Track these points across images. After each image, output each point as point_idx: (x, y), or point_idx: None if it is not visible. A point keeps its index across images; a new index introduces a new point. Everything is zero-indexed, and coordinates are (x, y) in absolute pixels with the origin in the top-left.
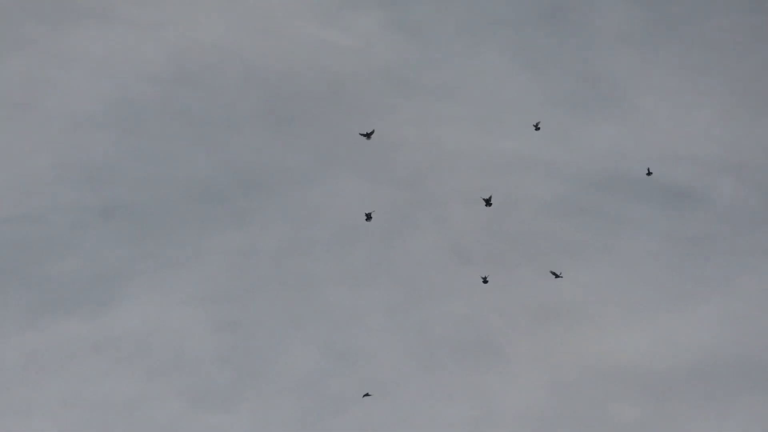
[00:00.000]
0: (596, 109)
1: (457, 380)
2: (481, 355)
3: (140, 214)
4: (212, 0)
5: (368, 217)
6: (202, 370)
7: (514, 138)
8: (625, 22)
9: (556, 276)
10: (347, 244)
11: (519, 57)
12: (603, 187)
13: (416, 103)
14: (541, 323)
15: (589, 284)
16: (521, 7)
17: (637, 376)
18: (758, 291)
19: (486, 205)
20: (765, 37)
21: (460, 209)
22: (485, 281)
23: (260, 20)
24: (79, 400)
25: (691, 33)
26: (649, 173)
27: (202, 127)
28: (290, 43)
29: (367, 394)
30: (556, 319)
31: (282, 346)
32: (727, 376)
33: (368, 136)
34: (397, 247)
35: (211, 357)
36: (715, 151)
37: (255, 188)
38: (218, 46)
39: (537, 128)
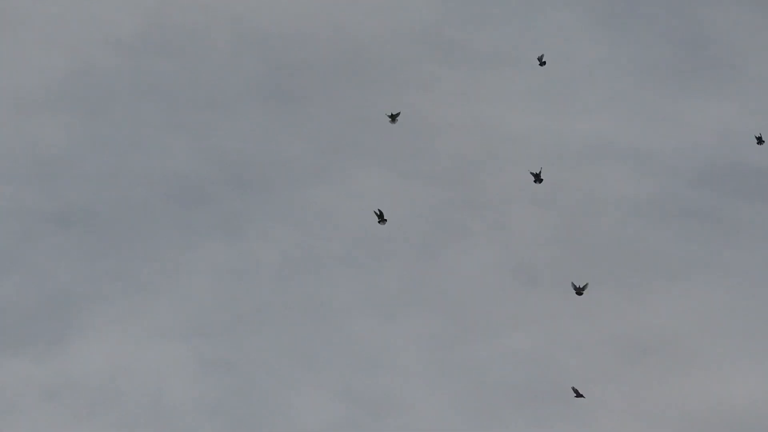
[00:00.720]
0: (701, 81)
1: None
2: (551, 404)
3: (104, 220)
4: None
5: (380, 217)
6: (184, 423)
7: (591, 119)
8: None
9: (579, 291)
10: (373, 258)
11: (598, 13)
12: (711, 182)
13: (463, 73)
14: (630, 361)
15: (694, 310)
16: None
17: (756, 429)
18: None
19: (535, 182)
20: None
21: (522, 212)
22: (580, 292)
23: None
24: None
25: None
26: (760, 141)
27: (183, 107)
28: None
29: None
30: (651, 355)
31: (288, 392)
32: None
33: (393, 118)
34: (439, 263)
35: (197, 405)
36: None
37: (251, 185)
38: (202, 2)
39: (542, 63)
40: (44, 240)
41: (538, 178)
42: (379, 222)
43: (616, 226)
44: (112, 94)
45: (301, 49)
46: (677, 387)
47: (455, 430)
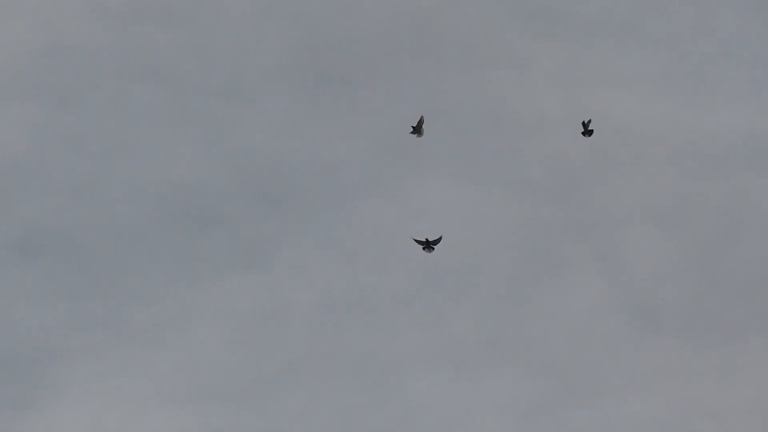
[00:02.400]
0: None
1: None
2: None
3: (81, 247)
4: None
5: (428, 244)
6: None
7: (734, 110)
8: None
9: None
10: (441, 297)
11: None
12: None
13: (561, 49)
14: None
15: None
16: None
17: None
18: None
19: (583, 134)
20: None
21: (640, 235)
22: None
23: None
24: None
25: None
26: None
27: (189, 95)
28: None
29: None
30: None
31: None
32: None
33: (417, 129)
34: (530, 303)
35: None
36: None
37: (278, 199)
38: None
39: (587, 130)
40: (3, 274)
41: (586, 128)
42: (425, 248)
43: (767, 253)
44: (93, 77)
45: (343, 17)
46: None
47: None
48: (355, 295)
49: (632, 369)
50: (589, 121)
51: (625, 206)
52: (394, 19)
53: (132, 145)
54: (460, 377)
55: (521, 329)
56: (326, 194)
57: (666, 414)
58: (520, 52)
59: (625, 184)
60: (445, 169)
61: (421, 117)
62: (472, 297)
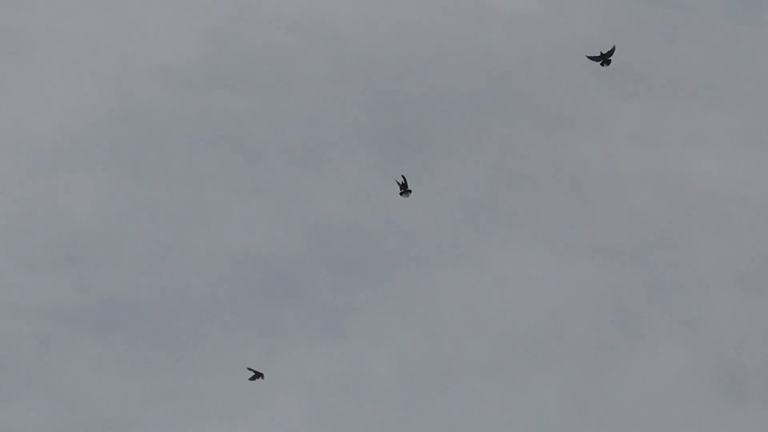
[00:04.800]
0: None
1: None
2: None
3: (158, 319)
4: None
5: (403, 188)
6: None
7: None
8: None
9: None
10: (521, 363)
11: None
12: None
13: (647, 110)
14: None
15: None
16: None
17: None
18: None
19: (602, 64)
20: None
21: (728, 299)
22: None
23: None
24: None
25: None
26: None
27: (260, 159)
28: (414, 9)
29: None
30: None
31: None
32: None
33: (404, 187)
34: (612, 370)
35: None
36: None
37: (356, 267)
38: (285, 15)
39: (605, 59)
40: (76, 348)
41: (605, 59)
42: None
43: None
44: (165, 143)
45: (420, 78)
46: None
47: None
48: (434, 363)
49: None
50: (610, 51)
51: (709, 269)
52: (473, 81)
53: (205, 213)
54: None
55: (604, 397)
56: (404, 261)
57: None
58: (600, 113)
59: (709, 247)
60: (524, 234)
61: (402, 178)
62: (554, 364)
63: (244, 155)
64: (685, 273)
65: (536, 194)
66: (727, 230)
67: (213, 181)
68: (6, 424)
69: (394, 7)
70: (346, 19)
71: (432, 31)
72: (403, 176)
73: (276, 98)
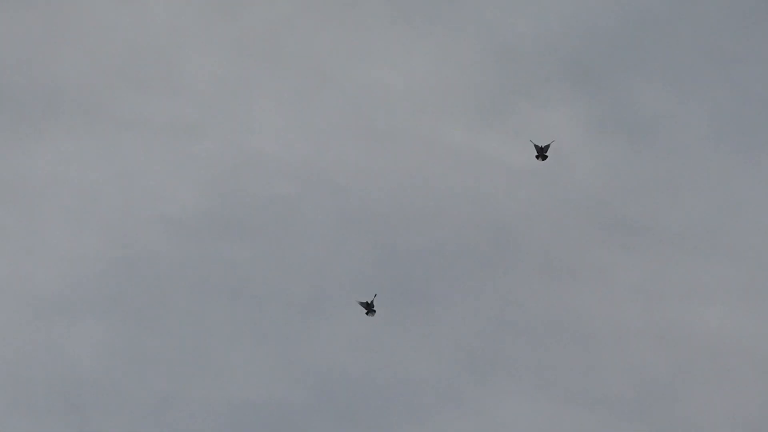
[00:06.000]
0: None
1: None
2: None
3: None
4: (269, 86)
5: (368, 308)
6: None
7: None
8: None
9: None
10: None
11: None
12: None
13: (648, 263)
14: None
15: None
16: None
17: None
18: None
19: (537, 157)
20: None
21: None
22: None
23: (356, 116)
24: None
25: None
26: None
27: (263, 310)
28: (416, 160)
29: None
30: None
31: None
32: None
33: (368, 306)
34: None
35: None
36: None
37: (354, 415)
38: (287, 164)
39: (541, 155)
40: None
41: (542, 153)
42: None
43: None
44: (166, 292)
45: (424, 228)
46: None
47: None
48: None
49: None
50: (547, 146)
51: (711, 422)
52: (475, 232)
53: (208, 362)
54: None
55: None
56: (404, 410)
57: None
58: (602, 265)
59: (711, 399)
60: (525, 384)
61: (375, 295)
62: None
63: (246, 304)
64: (686, 426)
65: (537, 344)
66: (729, 383)
67: (215, 329)
68: None
69: (395, 158)
70: (348, 170)
71: (434, 182)
72: (373, 299)
73: (278, 248)
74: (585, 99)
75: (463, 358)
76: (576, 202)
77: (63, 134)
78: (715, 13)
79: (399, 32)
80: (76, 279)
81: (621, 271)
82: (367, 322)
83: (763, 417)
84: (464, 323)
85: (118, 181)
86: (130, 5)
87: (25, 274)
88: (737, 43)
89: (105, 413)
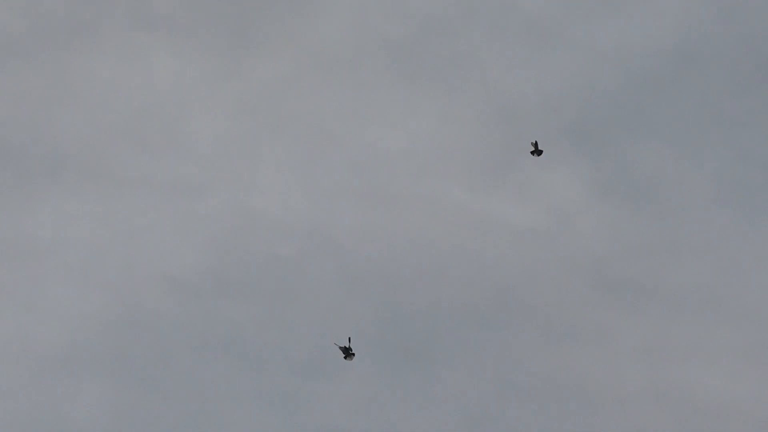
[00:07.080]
0: None
1: None
2: None
3: None
4: (270, 144)
5: (346, 352)
6: None
7: None
8: None
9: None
10: None
11: None
12: None
13: (648, 322)
14: None
15: None
16: None
17: None
18: None
19: (533, 153)
20: None
21: None
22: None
23: (358, 176)
24: None
25: None
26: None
27: (264, 369)
28: (419, 220)
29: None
30: None
31: None
32: None
33: (346, 351)
34: None
35: None
36: None
37: None
38: (284, 225)
39: (536, 151)
40: None
41: (536, 149)
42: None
43: None
44: (166, 351)
45: (426, 288)
46: None
47: None
48: None
49: None
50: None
51: None
52: (477, 292)
53: (210, 422)
54: None
55: None
56: None
57: None
58: (603, 326)
59: None
60: None
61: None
62: None
63: (248, 364)
64: None
65: (538, 405)
66: None
67: (217, 389)
68: None
69: (397, 218)
70: (350, 230)
71: (436, 243)
72: (349, 343)
73: (280, 308)
74: (588, 160)
75: (465, 418)
76: (578, 263)
77: (66, 193)
78: (717, 75)
79: (401, 92)
80: (78, 338)
81: (623, 332)
82: (369, 382)
83: None
84: (466, 384)
85: (121, 240)
86: (133, 66)
87: (27, 334)
88: (739, 105)
89: None
